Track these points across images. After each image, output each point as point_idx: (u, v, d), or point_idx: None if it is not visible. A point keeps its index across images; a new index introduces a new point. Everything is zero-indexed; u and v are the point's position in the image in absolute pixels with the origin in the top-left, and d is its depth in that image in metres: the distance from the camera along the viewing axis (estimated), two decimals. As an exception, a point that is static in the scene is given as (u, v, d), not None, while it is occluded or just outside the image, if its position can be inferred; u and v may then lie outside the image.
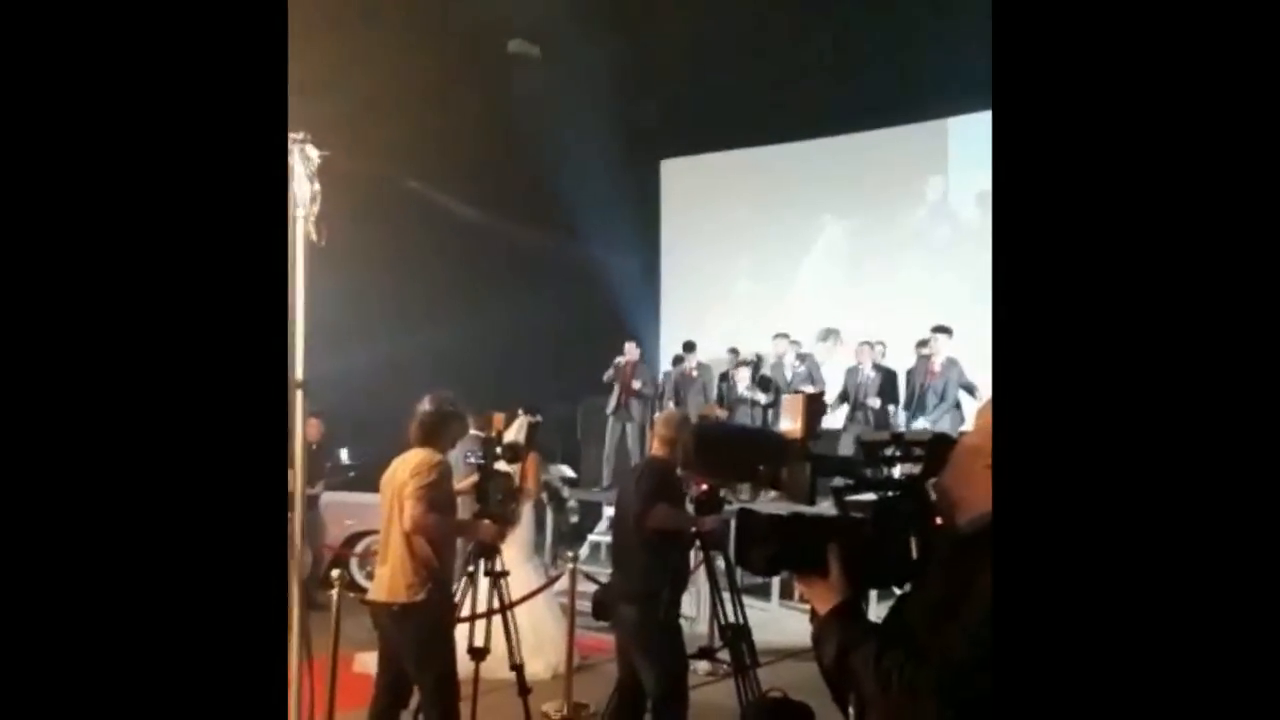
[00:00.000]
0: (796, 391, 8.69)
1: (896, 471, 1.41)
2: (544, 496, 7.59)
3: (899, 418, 8.79)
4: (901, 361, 8.96)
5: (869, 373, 8.99)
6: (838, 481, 1.41)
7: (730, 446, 1.48)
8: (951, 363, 8.30)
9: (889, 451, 1.40)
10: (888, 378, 8.94)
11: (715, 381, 10.09)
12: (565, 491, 8.98)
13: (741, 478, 3.97)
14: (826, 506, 1.45)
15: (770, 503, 5.61)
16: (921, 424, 8.36)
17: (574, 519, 9.03)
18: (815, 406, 1.56)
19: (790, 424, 1.42)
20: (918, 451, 1.37)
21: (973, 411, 7.63)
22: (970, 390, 8.26)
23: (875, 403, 8.86)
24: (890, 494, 1.39)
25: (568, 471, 9.49)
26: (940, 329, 8.39)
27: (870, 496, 1.40)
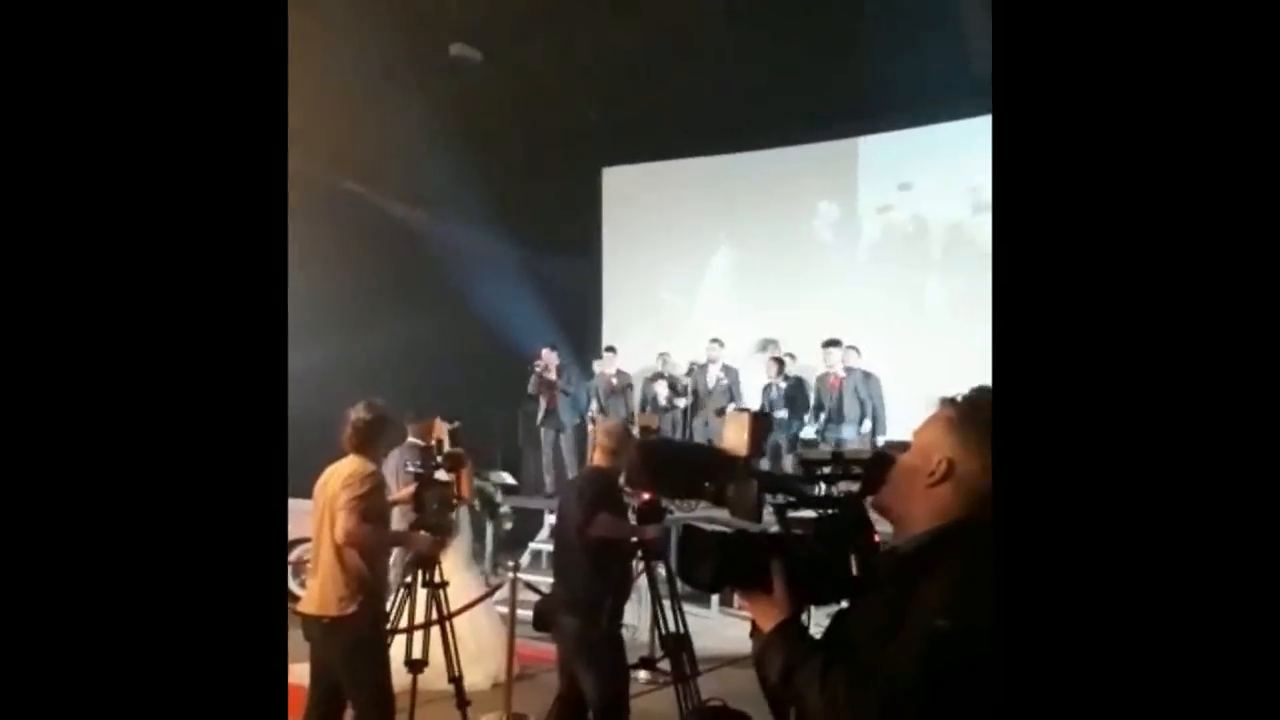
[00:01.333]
0: (742, 409, 8.81)
1: (836, 489, 1.41)
2: (477, 504, 7.49)
3: (806, 428, 9.06)
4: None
5: (780, 385, 9.15)
6: (779, 498, 1.41)
7: (676, 464, 1.47)
8: (849, 371, 8.69)
9: (829, 469, 1.41)
10: (795, 387, 9.12)
11: (637, 390, 10.11)
12: (499, 497, 8.89)
13: (688, 494, 3.98)
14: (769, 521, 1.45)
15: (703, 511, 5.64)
16: (846, 434, 8.61)
17: (508, 526, 8.95)
18: (761, 425, 1.57)
19: (735, 441, 1.42)
20: (856, 470, 1.38)
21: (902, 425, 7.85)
22: (866, 403, 8.58)
23: (783, 414, 9.04)
24: (830, 511, 1.40)
25: (508, 478, 9.41)
26: (830, 343, 8.72)
27: (811, 513, 1.40)
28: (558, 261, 11.39)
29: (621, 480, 4.03)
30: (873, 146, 10.51)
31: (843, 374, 8.71)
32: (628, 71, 9.51)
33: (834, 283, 10.53)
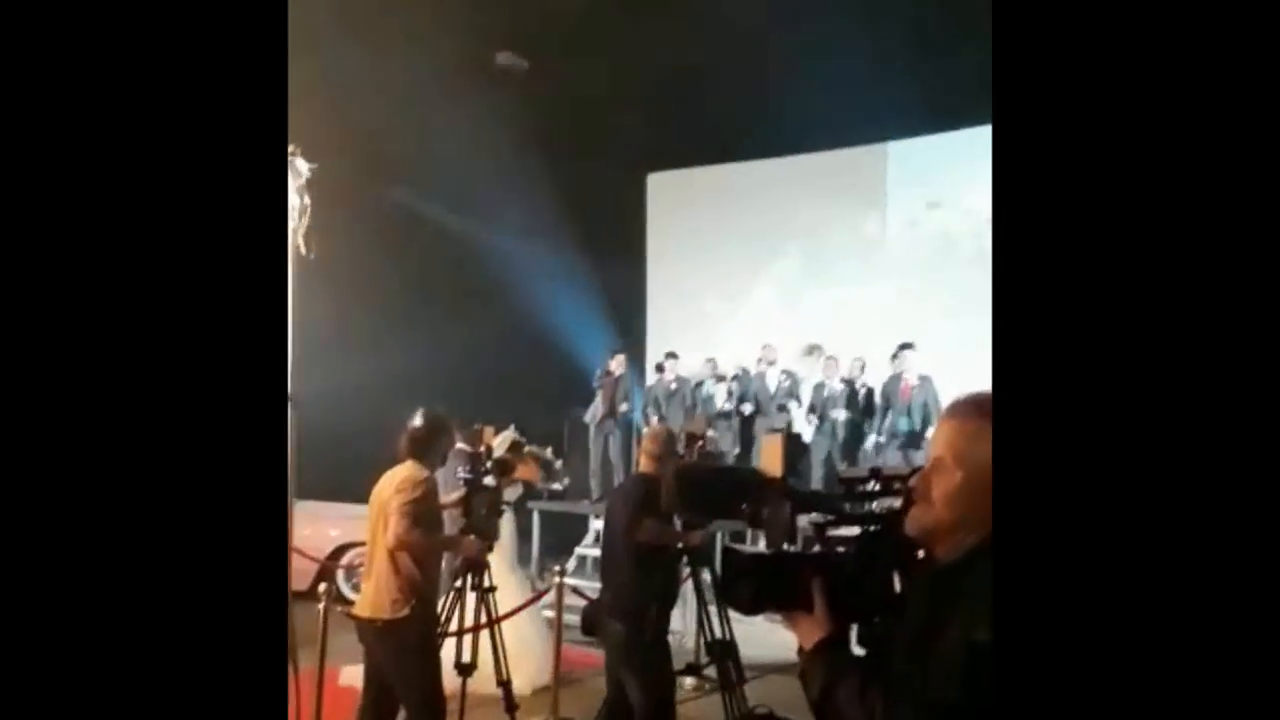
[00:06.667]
0: (775, 431, 8.75)
1: (876, 506, 1.42)
2: (537, 472, 7.48)
3: (868, 432, 8.93)
4: (879, 377, 9.11)
5: (836, 386, 9.10)
6: (818, 517, 1.43)
7: (712, 488, 1.49)
8: (925, 379, 8.41)
9: (868, 486, 1.42)
10: (856, 392, 9.04)
11: (690, 392, 10.13)
12: (549, 454, 8.85)
13: (723, 516, 3.96)
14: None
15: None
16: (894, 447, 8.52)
17: (566, 481, 8.85)
18: (793, 446, 1.59)
19: (769, 462, 1.43)
20: (897, 486, 1.39)
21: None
22: (930, 407, 8.40)
23: (841, 415, 8.97)
24: (871, 528, 1.41)
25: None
26: (905, 345, 8.51)
27: (852, 531, 1.41)
28: (603, 267, 11.46)
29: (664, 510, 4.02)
30: (906, 150, 10.52)
31: (916, 381, 8.51)
32: (671, 78, 9.55)
33: (879, 287, 10.47)
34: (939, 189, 10.24)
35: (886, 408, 8.72)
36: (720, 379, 9.92)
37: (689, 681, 5.07)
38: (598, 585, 4.63)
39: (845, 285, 10.72)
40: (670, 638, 4.29)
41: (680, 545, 4.24)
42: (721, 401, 9.76)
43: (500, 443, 6.01)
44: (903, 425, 8.54)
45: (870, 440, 8.93)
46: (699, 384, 10.12)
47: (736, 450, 9.60)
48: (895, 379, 8.70)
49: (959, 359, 8.84)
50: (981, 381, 1.34)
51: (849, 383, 9.12)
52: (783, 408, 9.48)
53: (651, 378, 10.92)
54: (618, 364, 10.17)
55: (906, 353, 8.57)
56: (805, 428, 9.31)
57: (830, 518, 1.41)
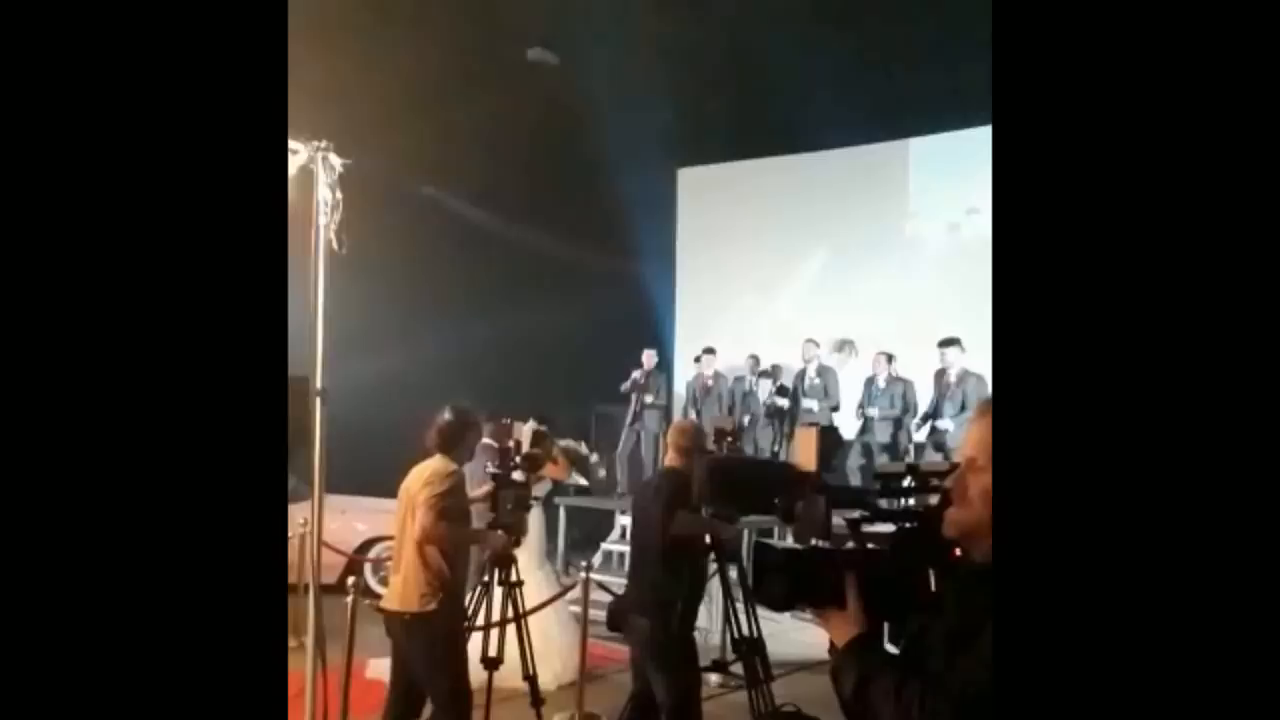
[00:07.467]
0: (811, 424, 8.66)
1: (913, 502, 1.40)
2: (568, 470, 7.52)
3: (911, 426, 8.85)
4: (913, 372, 9.04)
5: (881, 384, 9.04)
6: (854, 513, 1.41)
7: (745, 482, 1.48)
8: (966, 374, 8.29)
9: (905, 483, 1.40)
10: (901, 388, 8.97)
11: (729, 388, 10.12)
12: (584, 449, 8.93)
13: (757, 511, 3.95)
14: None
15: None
16: (929, 428, 8.43)
17: (602, 473, 8.92)
18: (828, 439, 1.56)
19: (804, 457, 1.41)
20: (934, 482, 1.36)
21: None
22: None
23: (877, 412, 8.94)
24: (907, 525, 1.38)
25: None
26: (948, 342, 8.39)
27: (888, 528, 1.39)
28: (632, 261, 11.45)
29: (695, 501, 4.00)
30: (927, 146, 10.45)
31: (955, 378, 8.33)
32: (702, 72, 9.52)
33: (912, 282, 10.39)
34: (964, 186, 10.13)
35: (937, 404, 8.59)
36: (764, 374, 9.89)
37: (715, 678, 5.05)
38: (624, 581, 4.62)
39: (878, 280, 10.63)
40: (696, 634, 4.27)
41: (709, 540, 4.22)
42: (765, 397, 9.73)
43: (524, 436, 6.01)
44: (940, 422, 8.44)
45: (911, 436, 8.85)
46: (738, 378, 10.09)
47: (777, 446, 9.56)
48: (939, 375, 8.59)
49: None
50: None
51: (895, 380, 9.05)
52: (809, 408, 9.43)
53: (683, 372, 10.91)
54: (649, 358, 10.21)
55: (948, 350, 8.40)
56: (844, 423, 9.26)
57: (865, 514, 1.39)
